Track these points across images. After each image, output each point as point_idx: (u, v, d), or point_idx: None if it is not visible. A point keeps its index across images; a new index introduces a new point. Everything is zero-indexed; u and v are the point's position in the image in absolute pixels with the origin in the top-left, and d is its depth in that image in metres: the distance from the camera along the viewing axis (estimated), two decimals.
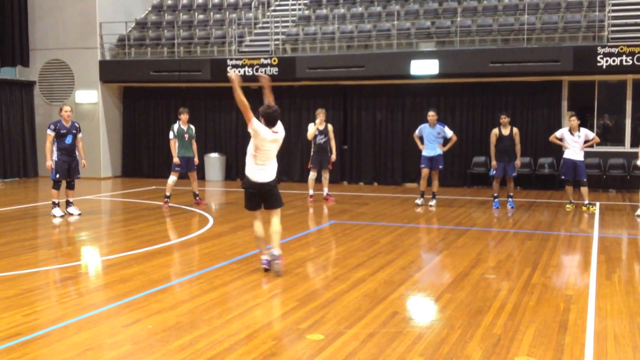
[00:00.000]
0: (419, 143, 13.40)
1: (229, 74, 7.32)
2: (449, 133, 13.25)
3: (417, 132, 13.45)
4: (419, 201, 13.39)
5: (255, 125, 7.16)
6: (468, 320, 5.67)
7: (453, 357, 4.84)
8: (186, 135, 12.82)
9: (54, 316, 5.88)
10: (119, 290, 6.68)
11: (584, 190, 12.59)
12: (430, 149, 13.21)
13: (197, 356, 4.80)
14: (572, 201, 12.73)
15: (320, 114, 13.50)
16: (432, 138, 13.18)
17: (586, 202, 12.52)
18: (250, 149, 7.32)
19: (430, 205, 13.20)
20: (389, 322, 5.62)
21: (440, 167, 13.29)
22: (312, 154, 13.70)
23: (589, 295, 6.49)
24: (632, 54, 14.71)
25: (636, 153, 12.62)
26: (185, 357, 4.80)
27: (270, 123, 7.27)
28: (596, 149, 15.25)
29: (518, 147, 12.74)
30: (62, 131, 11.47)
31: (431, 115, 13.18)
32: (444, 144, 13.36)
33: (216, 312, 5.93)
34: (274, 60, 17.26)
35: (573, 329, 5.46)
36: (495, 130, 12.81)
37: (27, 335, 5.26)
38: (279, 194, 7.45)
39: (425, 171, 13.34)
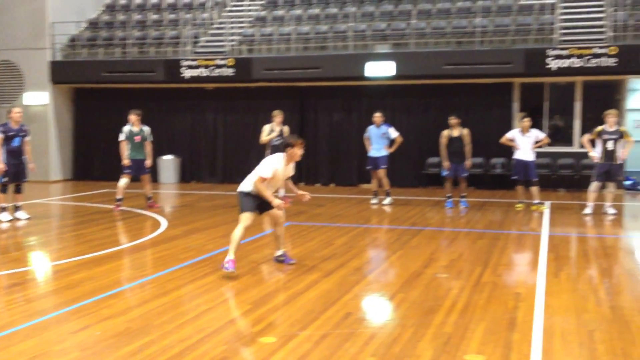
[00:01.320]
0: (367, 144, 13.70)
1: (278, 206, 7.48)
2: (394, 134, 13.51)
3: (365, 133, 13.83)
4: (373, 200, 13.59)
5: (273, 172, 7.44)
6: (420, 320, 5.73)
7: (404, 356, 4.87)
8: (137, 137, 12.64)
9: (0, 323, 5.72)
10: (68, 296, 6.54)
11: (534, 189, 12.85)
12: (376, 149, 13.54)
13: None
14: (523, 200, 12.97)
15: (277, 116, 13.47)
16: (378, 138, 13.42)
17: (536, 201, 12.77)
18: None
19: (384, 204, 13.36)
20: (342, 323, 5.63)
21: (383, 166, 13.53)
22: (266, 155, 13.64)
23: (537, 293, 6.61)
24: (581, 56, 15.08)
25: (585, 153, 12.89)
26: None
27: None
28: (546, 149, 15.54)
29: (468, 148, 12.97)
30: (9, 133, 11.19)
31: (377, 115, 13.56)
32: (390, 145, 13.57)
33: (167, 316, 5.85)
34: (230, 61, 17.17)
35: (521, 326, 5.55)
36: (446, 132, 13.04)
37: None
38: (240, 202, 7.53)
39: (373, 172, 13.74)
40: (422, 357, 4.85)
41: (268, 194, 7.41)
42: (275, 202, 7.42)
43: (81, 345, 5.10)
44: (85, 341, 5.19)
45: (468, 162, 13.03)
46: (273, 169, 7.44)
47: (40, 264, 8.49)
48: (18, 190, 11.52)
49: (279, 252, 7.99)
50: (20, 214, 11.48)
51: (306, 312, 5.95)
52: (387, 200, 13.56)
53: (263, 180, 7.39)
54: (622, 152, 11.76)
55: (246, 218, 7.43)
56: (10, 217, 11.30)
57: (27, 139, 11.45)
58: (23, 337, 5.31)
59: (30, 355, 4.89)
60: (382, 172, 13.62)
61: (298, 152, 7.48)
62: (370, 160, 13.69)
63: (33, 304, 6.43)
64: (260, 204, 7.53)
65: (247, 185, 7.56)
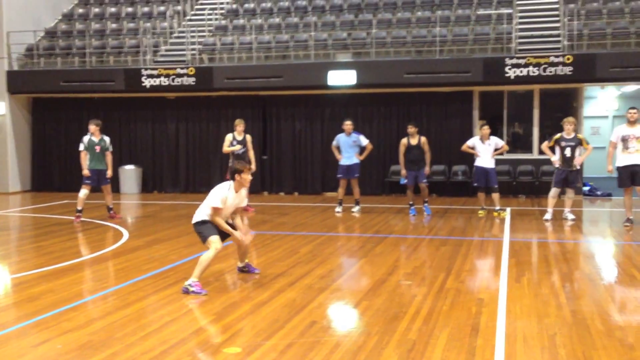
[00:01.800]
0: (336, 153, 13.71)
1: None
2: (365, 141, 13.57)
3: (334, 142, 13.79)
4: (338, 209, 13.61)
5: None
6: (385, 327, 5.75)
7: None
8: (97, 147, 12.48)
9: None
10: (28, 309, 6.39)
11: (495, 196, 13.03)
12: (347, 158, 13.52)
13: None
14: (484, 207, 13.16)
15: (239, 125, 13.44)
16: (348, 147, 13.45)
17: (497, 207, 12.96)
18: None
19: (353, 212, 13.43)
20: (307, 332, 5.63)
21: (357, 175, 13.57)
22: (230, 165, 13.58)
23: (499, 298, 6.71)
24: (538, 64, 15.40)
25: (544, 160, 13.11)
26: None
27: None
28: (506, 156, 15.84)
29: (428, 155, 13.09)
30: None
31: (347, 124, 13.51)
32: (360, 153, 13.62)
33: (130, 328, 5.76)
34: (191, 70, 17.07)
35: (484, 332, 5.62)
36: (404, 140, 13.17)
37: None
38: (199, 232, 7.29)
39: (342, 181, 13.60)
40: None
41: (225, 226, 7.19)
42: (236, 234, 7.31)
43: (42, 359, 4.98)
44: (47, 355, 5.09)
45: (427, 169, 13.15)
46: (221, 198, 7.11)
47: (0, 276, 8.29)
48: None
49: (242, 264, 7.93)
50: None
51: (271, 322, 5.92)
52: (357, 208, 13.62)
53: (216, 210, 7.13)
54: (578, 159, 12.01)
55: (215, 241, 7.05)
56: None
57: None
58: None
59: None
60: (355, 181, 13.64)
61: (247, 177, 7.21)
62: (341, 169, 13.63)
63: None
64: (220, 230, 7.26)
65: (201, 214, 7.22)
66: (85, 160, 12.36)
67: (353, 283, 7.73)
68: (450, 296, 6.81)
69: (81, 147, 12.44)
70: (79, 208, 12.37)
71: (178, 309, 6.45)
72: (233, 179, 7.24)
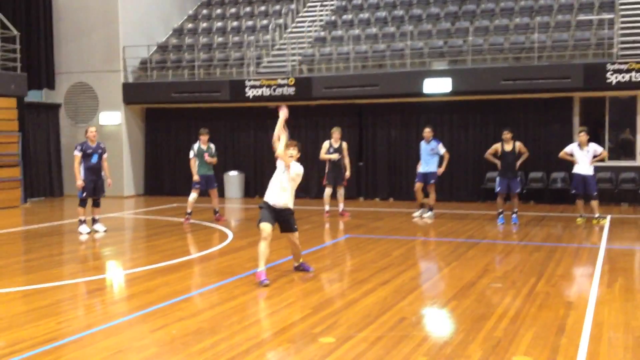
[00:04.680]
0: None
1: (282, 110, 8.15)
2: (442, 150, 13.67)
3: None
4: (416, 214, 13.83)
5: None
6: (471, 325, 6.03)
7: (455, 357, 5.20)
8: (206, 155, 13.33)
9: (84, 324, 6.34)
10: (144, 300, 7.13)
11: (594, 203, 12.83)
12: (425, 165, 13.67)
13: (217, 357, 5.22)
14: (583, 215, 12.97)
15: (335, 132, 13.96)
16: (427, 154, 13.67)
17: (596, 215, 12.77)
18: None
19: (423, 217, 13.63)
20: (396, 327, 6.00)
21: (432, 181, 13.72)
22: (327, 171, 14.16)
23: (588, 302, 6.81)
24: None
25: None
26: (207, 357, 5.22)
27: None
28: (608, 163, 15.52)
29: (525, 156, 12.96)
30: (88, 151, 12.01)
31: (427, 131, 13.71)
32: (440, 162, 13.73)
33: (236, 318, 6.35)
34: (291, 81, 17.78)
35: (570, 332, 5.79)
36: (497, 145, 13.07)
37: (61, 340, 5.71)
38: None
39: (417, 185, 13.90)
40: (472, 358, 5.17)
41: (279, 126, 8.08)
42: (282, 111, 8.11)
43: (159, 342, 5.64)
44: (162, 339, 5.73)
45: (518, 163, 12.96)
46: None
47: (119, 271, 9.17)
48: (96, 204, 12.33)
49: (297, 264, 8.40)
50: (98, 227, 12.29)
51: (363, 316, 6.34)
52: (429, 214, 13.78)
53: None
54: None
55: (263, 229, 7.77)
56: (88, 230, 12.11)
57: (104, 156, 12.26)
58: (106, 335, 5.90)
59: (114, 350, 5.46)
60: (431, 187, 13.80)
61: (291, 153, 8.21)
62: (419, 176, 13.87)
63: (113, 306, 7.06)
64: (276, 217, 7.91)
65: (268, 195, 8.03)
66: (195, 166, 13.24)
67: (443, 284, 8.01)
68: (539, 299, 6.97)
69: (191, 154, 13.35)
70: (189, 211, 13.29)
71: (278, 302, 6.98)
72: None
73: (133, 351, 5.44)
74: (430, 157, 13.71)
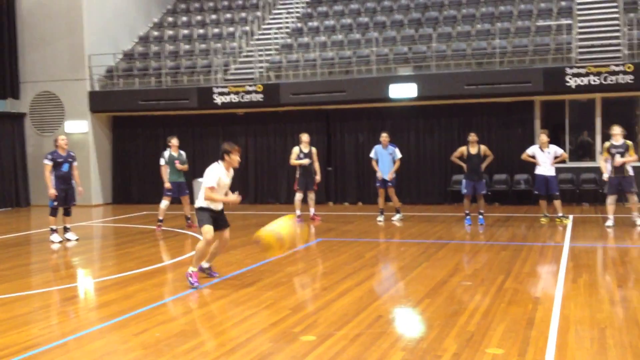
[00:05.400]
0: (374, 165, 14.11)
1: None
2: (399, 154, 14.01)
3: (372, 154, 14.18)
4: (380, 218, 14.11)
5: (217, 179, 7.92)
6: (445, 321, 6.28)
7: (431, 350, 5.44)
8: (177, 162, 13.40)
9: (67, 329, 6.41)
10: (124, 305, 7.21)
11: (557, 203, 13.27)
12: (384, 169, 13.93)
13: (203, 357, 5.37)
14: (547, 214, 13.40)
15: (304, 137, 14.18)
16: (385, 159, 13.94)
17: (559, 214, 13.21)
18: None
19: (393, 220, 13.94)
20: (374, 324, 6.22)
21: (390, 184, 14.05)
22: (297, 176, 14.36)
23: (555, 297, 7.13)
24: (599, 73, 15.56)
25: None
26: (194, 357, 5.36)
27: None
28: (569, 164, 16.04)
29: (489, 159, 13.31)
30: (58, 160, 12.00)
31: (384, 136, 14.02)
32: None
33: (217, 320, 6.49)
34: (259, 87, 17.95)
35: (539, 325, 6.08)
36: (463, 148, 13.40)
37: (46, 346, 5.78)
38: (198, 219, 8.18)
39: (381, 190, 14.20)
40: (448, 351, 5.41)
41: (220, 197, 7.97)
42: (231, 197, 8.01)
43: (143, 345, 5.76)
44: (147, 341, 5.85)
45: (483, 166, 13.28)
46: (217, 178, 7.88)
47: (95, 278, 9.20)
48: (67, 213, 12.32)
49: (206, 265, 8.48)
50: (70, 235, 12.27)
51: (341, 315, 6.54)
52: (397, 216, 14.10)
53: (212, 189, 7.86)
54: (618, 160, 12.18)
55: (206, 231, 7.88)
56: (60, 239, 12.09)
57: (75, 164, 12.27)
58: (91, 339, 6.00)
59: (101, 353, 5.56)
60: (392, 190, 14.11)
61: (235, 158, 7.95)
62: (380, 182, 14.13)
63: (94, 312, 7.13)
64: (214, 219, 8.00)
65: (199, 200, 8.02)
66: (166, 173, 13.30)
67: (415, 284, 8.24)
68: (508, 295, 7.27)
69: (162, 161, 13.41)
70: (160, 218, 13.34)
71: (257, 304, 7.14)
72: (222, 159, 7.95)
73: (119, 354, 5.55)
74: (389, 162, 13.98)
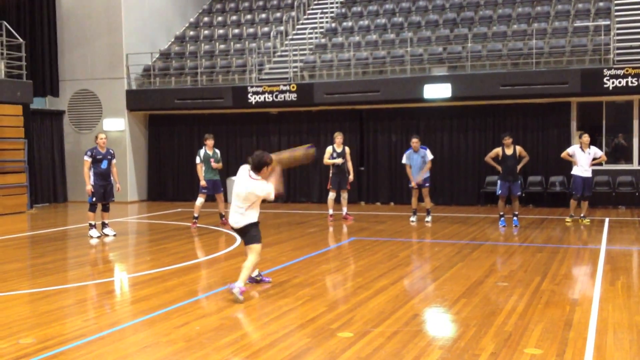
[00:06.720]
0: (408, 171, 13.99)
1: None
2: (430, 156, 13.95)
3: (405, 160, 14.04)
4: (412, 219, 14.09)
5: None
6: (482, 320, 6.30)
7: (469, 349, 5.47)
8: (212, 160, 13.58)
9: (111, 321, 6.57)
10: (166, 299, 7.36)
11: (585, 204, 13.26)
12: (417, 173, 13.84)
13: (244, 350, 5.47)
14: (573, 215, 13.39)
15: (338, 137, 14.24)
16: (417, 162, 13.83)
17: (582, 214, 13.17)
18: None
19: (427, 222, 13.90)
20: (410, 322, 6.26)
21: (427, 185, 14.02)
22: (330, 175, 14.43)
23: (593, 299, 7.09)
24: (637, 75, 15.34)
25: None
26: (235, 350, 5.47)
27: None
28: (605, 167, 15.84)
29: (525, 159, 13.20)
30: (98, 157, 12.25)
31: (415, 141, 13.83)
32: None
33: (255, 315, 6.60)
34: (293, 87, 18.06)
35: (577, 326, 6.06)
36: (498, 149, 13.25)
37: (91, 337, 5.95)
38: (253, 234, 7.64)
39: (414, 190, 14.13)
40: (485, 351, 5.43)
41: (276, 177, 7.54)
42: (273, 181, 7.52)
43: (185, 337, 5.88)
44: (188, 334, 5.98)
45: (519, 166, 13.12)
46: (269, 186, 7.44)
47: (135, 272, 9.39)
48: (105, 209, 12.57)
49: (255, 273, 8.08)
50: (108, 231, 12.52)
51: (377, 313, 6.59)
52: (429, 217, 14.08)
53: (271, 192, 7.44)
54: None
55: (259, 249, 7.55)
56: (98, 234, 12.33)
57: (113, 161, 12.51)
58: (134, 331, 6.15)
59: (144, 344, 5.70)
60: (426, 191, 14.07)
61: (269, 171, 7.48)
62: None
63: (136, 305, 7.28)
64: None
65: (253, 215, 7.57)
66: (201, 171, 13.48)
67: (451, 284, 8.25)
68: (545, 296, 7.25)
69: (197, 160, 13.58)
70: (196, 215, 13.53)
71: (293, 301, 7.23)
72: (260, 170, 7.41)
73: (162, 345, 5.68)
74: (421, 165, 13.86)
